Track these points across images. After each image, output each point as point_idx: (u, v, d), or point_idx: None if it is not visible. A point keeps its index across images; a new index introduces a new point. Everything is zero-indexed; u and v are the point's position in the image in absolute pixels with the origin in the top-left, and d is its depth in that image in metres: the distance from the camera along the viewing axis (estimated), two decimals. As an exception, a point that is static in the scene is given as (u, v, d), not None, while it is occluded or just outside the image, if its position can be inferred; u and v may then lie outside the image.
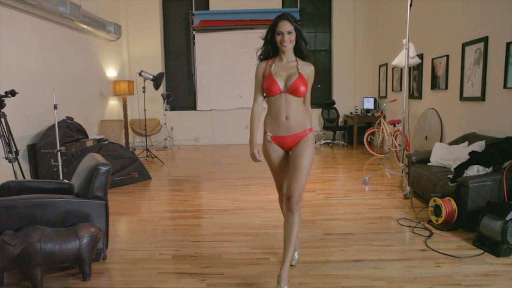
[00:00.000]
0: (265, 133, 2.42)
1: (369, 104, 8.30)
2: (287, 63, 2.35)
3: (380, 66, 8.22)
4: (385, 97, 7.89)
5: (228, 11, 8.73)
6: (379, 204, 4.09)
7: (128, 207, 4.13)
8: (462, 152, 3.94)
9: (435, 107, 5.60)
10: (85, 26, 6.57)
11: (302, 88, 2.30)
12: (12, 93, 4.02)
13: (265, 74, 2.35)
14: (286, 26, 2.23)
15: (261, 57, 2.41)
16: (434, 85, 5.66)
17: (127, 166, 5.06)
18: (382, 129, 6.82)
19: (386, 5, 7.77)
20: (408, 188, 4.26)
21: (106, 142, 5.10)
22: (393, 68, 7.35)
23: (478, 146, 3.80)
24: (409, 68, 6.53)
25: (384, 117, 7.09)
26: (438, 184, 3.67)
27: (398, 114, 6.97)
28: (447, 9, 5.20)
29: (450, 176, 3.61)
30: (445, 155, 4.19)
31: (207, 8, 9.01)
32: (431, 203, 3.42)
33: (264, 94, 2.41)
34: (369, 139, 7.51)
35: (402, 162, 4.74)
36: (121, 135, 7.80)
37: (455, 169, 3.65)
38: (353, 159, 6.93)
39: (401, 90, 6.97)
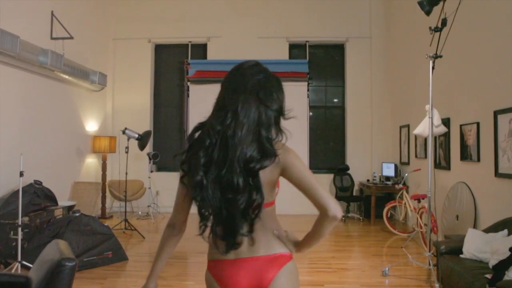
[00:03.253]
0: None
1: (389, 170, 8.26)
2: None
3: (401, 127, 8.29)
4: (407, 163, 7.88)
5: (229, 61, 8.96)
6: (402, 305, 3.91)
7: (97, 299, 3.96)
8: (501, 244, 3.82)
9: (467, 181, 5.54)
10: (66, 76, 6.74)
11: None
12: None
13: None
14: None
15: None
16: (464, 156, 5.64)
17: (100, 244, 4.93)
18: (405, 203, 6.72)
19: (406, 59, 7.99)
20: (437, 286, 4.09)
21: (77, 215, 5.00)
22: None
23: (521, 238, 3.70)
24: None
25: (407, 190, 7.00)
26: (474, 286, 3.52)
27: (423, 186, 6.90)
28: (476, 71, 5.31)
29: (488, 276, 3.47)
30: (480, 246, 4.05)
31: (204, 57, 9.29)
32: (466, 310, 3.26)
33: None
34: (389, 214, 7.39)
35: (430, 251, 4.60)
36: (97, 200, 7.71)
37: (493, 267, 3.51)
38: (370, 238, 6.76)
39: (425, 157, 6.97)
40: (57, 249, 2.76)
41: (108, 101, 9.08)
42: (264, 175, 1.53)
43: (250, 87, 1.57)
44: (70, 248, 2.79)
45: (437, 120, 4.79)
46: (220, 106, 1.60)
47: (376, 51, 9.02)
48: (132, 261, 5.20)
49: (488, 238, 4.10)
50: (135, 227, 6.65)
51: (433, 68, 4.56)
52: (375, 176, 8.51)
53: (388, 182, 8.10)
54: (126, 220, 6.67)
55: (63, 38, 6.71)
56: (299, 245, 1.67)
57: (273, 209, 1.69)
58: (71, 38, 6.79)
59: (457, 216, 5.69)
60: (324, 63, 9.46)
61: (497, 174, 4.80)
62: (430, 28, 4.42)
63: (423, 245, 5.99)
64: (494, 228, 4.33)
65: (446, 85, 6.05)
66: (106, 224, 5.15)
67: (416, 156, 7.44)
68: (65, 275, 2.56)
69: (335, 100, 9.48)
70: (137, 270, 4.91)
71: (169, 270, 4.86)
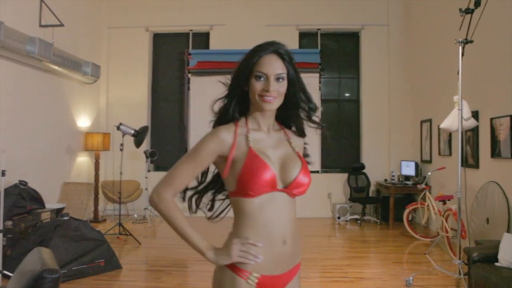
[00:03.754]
0: (239, 270, 1.58)
1: (408, 169, 8.03)
2: (268, 133, 1.69)
3: (422, 122, 8.04)
4: (430, 161, 7.64)
5: (233, 51, 8.73)
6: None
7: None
8: (542, 252, 3.60)
9: (498, 180, 5.30)
10: (56, 67, 6.56)
11: (307, 182, 1.66)
12: None
13: (233, 151, 1.60)
14: (274, 66, 1.60)
15: (219, 119, 1.71)
16: (496, 153, 5.40)
17: (91, 251, 4.73)
18: (428, 205, 6.48)
19: (427, 47, 7.75)
20: (469, 297, 3.87)
21: (66, 218, 4.81)
22: (439, 127, 7.15)
23: None
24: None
25: (430, 190, 6.75)
26: (514, 299, 3.29)
27: (448, 186, 6.67)
28: (509, 59, 5.07)
29: (531, 288, 3.25)
30: (518, 253, 3.83)
31: (207, 46, 9.09)
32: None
33: (226, 193, 1.78)
34: (410, 217, 7.16)
35: (459, 259, 4.36)
36: (89, 202, 7.53)
37: (537, 278, 3.29)
38: (389, 243, 6.53)
39: (450, 154, 6.73)
40: (39, 258, 2.56)
41: (101, 94, 8.89)
42: None
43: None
44: (56, 256, 2.59)
45: (466, 113, 4.55)
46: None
47: (394, 39, 8.78)
48: (126, 270, 4.99)
49: (527, 245, 3.87)
50: (130, 232, 6.46)
51: (462, 54, 4.32)
52: (393, 176, 8.27)
53: (408, 182, 7.86)
54: (120, 225, 6.47)
55: (52, 26, 6.53)
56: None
57: (234, 201, 1.65)
58: (62, 25, 6.61)
59: (488, 220, 5.45)
60: (337, 53, 9.23)
61: (534, 172, 4.57)
62: (460, 10, 4.18)
63: (449, 251, 5.76)
64: (533, 233, 4.10)
65: (474, 74, 5.79)
66: (98, 229, 4.96)
67: (439, 154, 7.19)
68: (46, 288, 2.36)
69: (349, 93, 9.26)
70: (131, 280, 4.71)
71: (168, 280, 4.66)
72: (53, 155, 7.02)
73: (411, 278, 4.59)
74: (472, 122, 4.60)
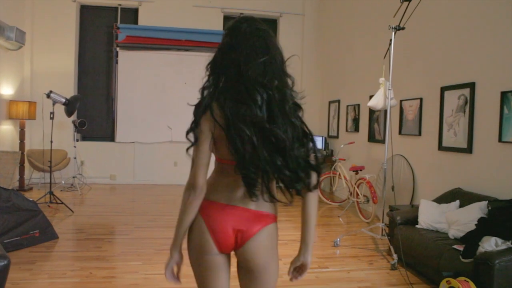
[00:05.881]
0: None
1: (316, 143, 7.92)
2: None
3: (330, 103, 7.96)
4: (336, 137, 7.59)
5: (161, 28, 7.91)
6: (366, 279, 3.48)
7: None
8: (458, 215, 3.55)
9: (404, 154, 5.31)
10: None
11: None
12: None
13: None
14: None
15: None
16: (403, 130, 5.40)
17: (24, 222, 3.85)
18: (339, 174, 6.40)
19: (339, 37, 7.61)
20: (395, 256, 3.75)
21: (-6, 188, 3.85)
22: (347, 107, 7.09)
23: (479, 209, 3.43)
24: (370, 109, 6.28)
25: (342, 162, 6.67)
26: (442, 257, 3.18)
27: (354, 158, 6.65)
28: (423, 49, 5.00)
29: (457, 247, 3.15)
30: (436, 217, 3.76)
31: (135, 22, 8.10)
32: (444, 285, 2.89)
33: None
34: (322, 185, 7.06)
35: (382, 222, 4.25)
36: (15, 171, 6.36)
37: (463, 239, 3.21)
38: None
39: (357, 131, 6.70)
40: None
41: (26, 63, 7.51)
42: None
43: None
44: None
45: (392, 93, 4.40)
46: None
47: (308, 28, 8.55)
48: (62, 240, 4.16)
49: (442, 209, 3.82)
50: (62, 200, 5.54)
51: (390, 41, 4.11)
52: (304, 149, 8.13)
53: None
54: (51, 193, 5.50)
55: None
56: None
57: None
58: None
59: (393, 187, 5.46)
60: (257, 37, 8.76)
61: (440, 147, 4.58)
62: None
63: (359, 214, 5.73)
64: (444, 199, 4.07)
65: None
66: (31, 199, 4.06)
67: (347, 130, 7.15)
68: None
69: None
70: (70, 251, 3.92)
71: (110, 249, 3.97)
72: (-27, 122, 5.77)
73: (338, 239, 4.41)
74: (393, 102, 4.46)
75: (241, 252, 1.46)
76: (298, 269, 1.55)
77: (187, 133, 1.40)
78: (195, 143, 1.40)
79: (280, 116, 1.35)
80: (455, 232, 3.45)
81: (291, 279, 1.56)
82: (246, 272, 1.50)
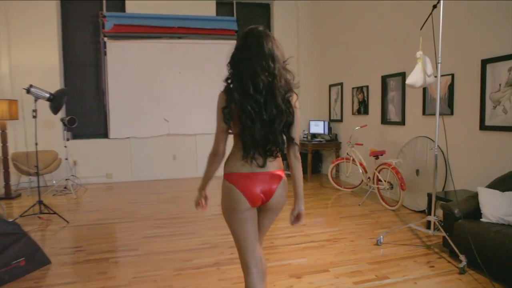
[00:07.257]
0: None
1: (317, 128, 6.97)
2: None
3: (330, 86, 6.99)
4: (340, 120, 6.66)
5: (151, 15, 6.72)
6: (440, 292, 2.58)
7: None
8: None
9: (431, 136, 4.42)
10: None
11: None
12: None
13: None
14: None
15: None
16: (427, 110, 4.50)
17: (4, 251, 2.76)
18: (353, 159, 5.48)
19: (335, 21, 6.60)
20: (462, 257, 2.86)
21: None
22: (353, 89, 6.14)
23: None
24: (382, 90, 5.35)
25: (356, 147, 5.74)
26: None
27: (366, 142, 5.73)
28: (458, 21, 4.06)
29: None
30: (506, 209, 2.87)
31: (122, 10, 6.87)
32: None
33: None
34: (334, 170, 6.14)
35: (434, 215, 3.35)
36: (-1, 178, 5.18)
37: None
38: (319, 196, 5.42)
39: (364, 113, 5.78)
40: None
41: (3, 58, 6.23)
42: None
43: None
44: None
45: (430, 69, 3.46)
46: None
47: (303, 12, 7.51)
48: (56, 265, 3.07)
49: (509, 198, 2.93)
50: (54, 210, 4.41)
51: (435, 6, 3.15)
52: (305, 134, 7.18)
53: (318, 139, 6.79)
54: (41, 202, 4.34)
55: None
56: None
57: None
58: None
59: (417, 171, 4.59)
60: (251, 23, 7.66)
61: (482, 127, 3.69)
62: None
63: (381, 201, 4.84)
64: (498, 185, 3.19)
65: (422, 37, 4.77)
66: (12, 220, 2.94)
67: (353, 113, 6.21)
68: None
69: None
70: (66, 282, 2.79)
71: (120, 274, 2.93)
72: None
73: (381, 237, 3.49)
74: (433, 79, 3.53)
75: (267, 204, 1.74)
76: (296, 217, 1.81)
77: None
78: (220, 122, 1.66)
79: (272, 101, 1.60)
80: (542, 229, 2.58)
81: (292, 224, 1.82)
82: (267, 211, 1.77)
